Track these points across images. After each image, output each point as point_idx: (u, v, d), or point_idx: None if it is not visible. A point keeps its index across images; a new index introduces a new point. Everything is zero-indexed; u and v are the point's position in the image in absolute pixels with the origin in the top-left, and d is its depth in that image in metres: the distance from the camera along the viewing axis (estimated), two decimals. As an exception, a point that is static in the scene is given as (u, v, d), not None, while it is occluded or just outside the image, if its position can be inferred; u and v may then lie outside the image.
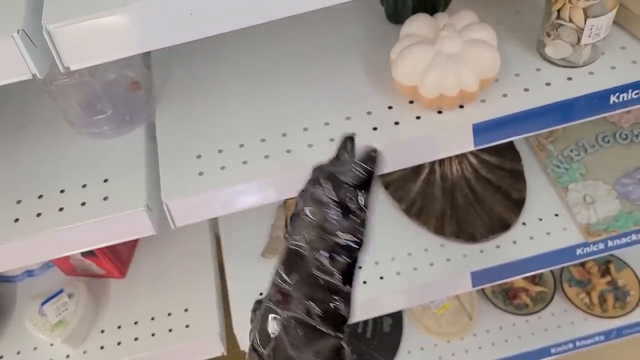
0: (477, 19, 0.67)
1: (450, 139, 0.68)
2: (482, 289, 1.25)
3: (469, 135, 0.68)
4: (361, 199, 0.44)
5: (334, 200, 0.43)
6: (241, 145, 0.70)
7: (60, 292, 0.93)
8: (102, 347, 0.91)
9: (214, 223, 1.07)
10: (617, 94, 0.67)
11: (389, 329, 1.23)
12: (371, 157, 0.46)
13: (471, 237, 0.92)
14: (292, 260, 0.43)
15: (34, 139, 0.75)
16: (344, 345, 0.41)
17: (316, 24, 0.82)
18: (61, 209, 0.67)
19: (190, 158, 0.69)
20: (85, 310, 0.92)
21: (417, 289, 0.90)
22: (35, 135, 0.76)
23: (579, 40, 0.65)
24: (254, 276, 0.94)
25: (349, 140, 0.56)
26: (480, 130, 0.67)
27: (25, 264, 0.71)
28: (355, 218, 0.43)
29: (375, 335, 1.22)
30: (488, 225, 0.93)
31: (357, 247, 0.43)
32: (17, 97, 0.82)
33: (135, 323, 0.93)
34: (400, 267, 0.91)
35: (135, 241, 1.05)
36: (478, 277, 0.90)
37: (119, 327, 0.93)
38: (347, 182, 0.44)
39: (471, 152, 0.97)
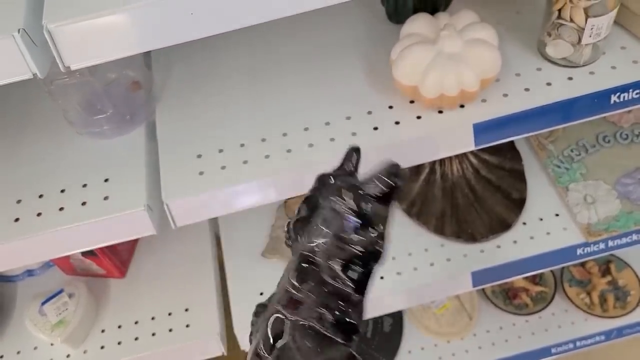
0: (477, 19, 0.67)
1: (451, 138, 0.68)
2: (482, 289, 1.25)
3: (469, 135, 0.67)
4: (382, 212, 0.44)
5: (353, 211, 0.43)
6: (242, 145, 0.69)
7: (61, 291, 0.92)
8: (102, 347, 0.91)
9: (214, 223, 1.07)
10: (617, 94, 0.67)
11: (389, 328, 1.23)
12: (394, 171, 0.46)
13: (471, 237, 0.92)
14: (305, 267, 0.42)
15: (35, 139, 0.75)
16: (355, 355, 0.41)
17: (317, 24, 0.82)
18: (61, 209, 0.67)
19: (191, 158, 0.69)
20: (86, 310, 0.92)
21: (417, 288, 0.90)
22: (36, 135, 0.76)
23: (579, 40, 0.65)
24: (255, 276, 0.94)
25: (354, 151, 0.56)
26: (480, 130, 0.67)
27: (26, 263, 0.71)
28: (375, 230, 0.43)
29: (376, 335, 1.22)
30: (488, 225, 0.93)
31: (374, 259, 0.43)
32: (17, 96, 0.82)
33: (136, 323, 0.93)
34: (400, 267, 0.91)
35: (136, 241, 1.05)
36: (478, 277, 0.90)
37: (119, 327, 0.93)
38: (370, 194, 0.44)
39: (471, 152, 0.97)
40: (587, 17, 0.62)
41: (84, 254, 0.92)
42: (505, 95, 0.68)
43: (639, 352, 1.33)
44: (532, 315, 1.21)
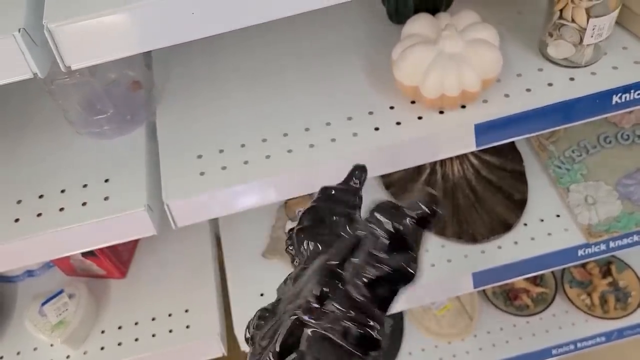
0: (479, 19, 0.67)
1: (452, 139, 0.68)
2: (483, 290, 1.24)
3: (470, 135, 0.67)
4: (418, 236, 0.44)
5: (389, 231, 0.43)
6: (242, 145, 0.69)
7: (61, 292, 0.92)
8: (102, 348, 0.91)
9: (214, 223, 1.07)
10: (619, 95, 0.67)
11: (389, 330, 1.23)
12: (434, 200, 0.46)
13: (472, 238, 0.91)
14: (329, 280, 0.42)
15: (35, 139, 0.75)
16: None
17: (317, 24, 0.82)
18: (62, 209, 0.67)
19: (191, 158, 0.69)
20: (86, 311, 0.91)
21: (418, 289, 0.90)
22: (36, 135, 0.76)
23: (581, 40, 0.65)
24: (255, 277, 0.94)
25: (360, 169, 0.57)
26: (482, 130, 0.67)
27: (26, 264, 0.71)
28: (408, 253, 0.43)
29: (376, 336, 1.22)
30: (489, 226, 0.93)
31: (405, 280, 0.43)
32: (17, 96, 0.82)
33: (136, 324, 0.93)
34: (401, 268, 0.91)
35: (136, 241, 1.04)
36: (479, 278, 0.90)
37: (119, 328, 0.93)
38: (410, 216, 0.44)
39: (472, 153, 0.96)
40: (588, 17, 0.62)
41: (84, 254, 0.92)
42: (507, 95, 0.68)
43: (640, 354, 1.33)
44: (532, 316, 1.21)
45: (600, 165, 0.98)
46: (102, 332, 0.93)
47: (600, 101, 0.67)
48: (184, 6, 0.48)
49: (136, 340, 0.90)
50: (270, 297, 0.47)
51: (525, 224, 0.93)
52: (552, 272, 1.24)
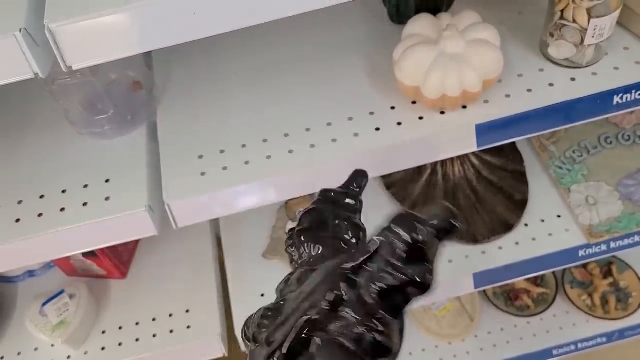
0: (480, 19, 0.67)
1: (453, 139, 0.68)
2: (484, 291, 1.24)
3: (471, 136, 0.67)
4: (436, 248, 0.44)
5: (407, 242, 0.43)
6: (243, 146, 0.69)
7: (62, 292, 0.92)
8: (103, 348, 0.91)
9: (215, 224, 1.07)
10: (620, 95, 0.67)
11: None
12: (452, 213, 0.46)
13: (473, 239, 0.91)
14: (342, 285, 0.42)
15: (36, 139, 0.75)
16: None
17: (318, 24, 0.82)
18: (63, 209, 0.67)
19: (192, 158, 0.69)
20: (87, 311, 0.91)
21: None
22: (37, 135, 0.76)
23: (582, 40, 0.65)
24: (255, 277, 0.94)
25: (360, 175, 0.57)
26: (483, 131, 0.67)
27: (27, 264, 0.71)
28: (425, 264, 0.43)
29: (377, 337, 1.22)
30: (490, 226, 0.92)
31: (421, 290, 0.43)
32: (18, 96, 0.82)
33: (137, 324, 0.93)
34: (402, 268, 0.91)
35: (137, 242, 1.04)
36: (480, 279, 0.90)
37: (120, 328, 0.93)
38: (429, 228, 0.44)
39: (473, 153, 0.96)
40: (590, 17, 0.62)
41: (85, 254, 0.92)
42: (508, 96, 0.68)
43: (641, 354, 1.33)
44: (533, 316, 1.21)
45: (601, 166, 0.98)
46: (103, 332, 0.93)
47: (601, 102, 0.67)
48: (185, 6, 0.48)
49: (137, 340, 0.90)
50: (271, 298, 0.47)
51: (526, 225, 0.93)
52: (553, 273, 1.24)
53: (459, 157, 0.96)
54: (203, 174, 0.67)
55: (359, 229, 0.53)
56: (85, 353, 0.90)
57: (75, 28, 0.48)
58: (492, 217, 0.93)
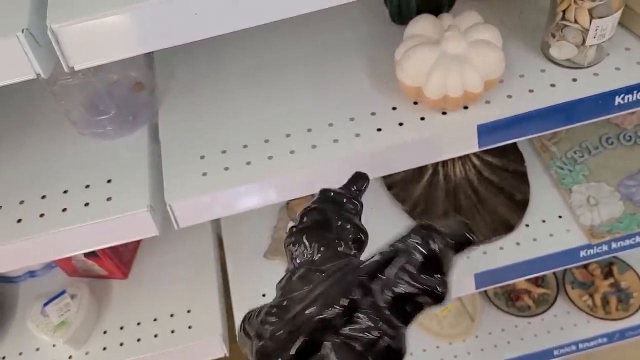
0: (481, 20, 0.67)
1: (455, 140, 0.68)
2: (485, 291, 1.24)
3: (473, 136, 0.67)
4: (451, 260, 0.45)
5: (423, 252, 0.43)
6: (245, 146, 0.69)
7: (63, 292, 0.92)
8: (104, 348, 0.91)
9: (216, 224, 1.07)
10: (622, 95, 0.67)
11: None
12: (468, 227, 0.47)
13: (474, 239, 0.91)
14: (357, 290, 0.42)
15: (37, 139, 0.75)
16: None
17: (320, 25, 0.82)
18: (64, 210, 0.67)
19: (194, 159, 0.69)
20: (88, 311, 0.91)
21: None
22: (38, 135, 0.76)
23: (584, 41, 0.65)
24: (257, 277, 0.94)
25: (361, 178, 0.57)
26: (484, 131, 0.67)
27: (28, 264, 0.71)
28: (439, 275, 0.43)
29: (378, 337, 1.22)
30: (491, 226, 0.92)
31: (435, 301, 0.43)
32: (20, 97, 0.82)
33: (138, 324, 0.93)
34: (403, 269, 0.91)
35: (138, 242, 1.04)
36: (481, 279, 0.90)
37: (121, 328, 0.93)
38: (446, 239, 0.44)
39: (474, 154, 0.96)
40: (591, 18, 0.62)
41: (86, 255, 0.92)
42: (509, 96, 0.68)
43: (642, 355, 1.33)
44: (534, 317, 1.21)
45: (602, 166, 0.98)
46: (104, 332, 0.93)
47: (602, 102, 0.67)
48: (186, 7, 0.48)
49: (138, 340, 0.90)
50: (272, 298, 0.47)
51: (527, 225, 0.93)
52: (554, 273, 1.24)
53: (460, 158, 0.96)
54: (204, 174, 0.67)
55: (359, 231, 0.54)
56: (87, 353, 0.91)
57: (77, 28, 0.48)
58: (493, 218, 0.93)
